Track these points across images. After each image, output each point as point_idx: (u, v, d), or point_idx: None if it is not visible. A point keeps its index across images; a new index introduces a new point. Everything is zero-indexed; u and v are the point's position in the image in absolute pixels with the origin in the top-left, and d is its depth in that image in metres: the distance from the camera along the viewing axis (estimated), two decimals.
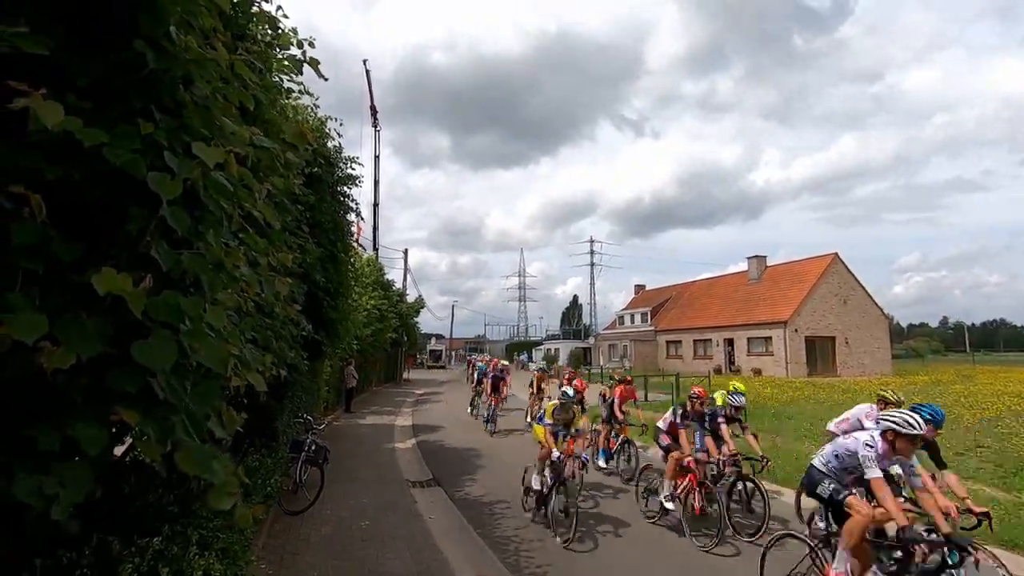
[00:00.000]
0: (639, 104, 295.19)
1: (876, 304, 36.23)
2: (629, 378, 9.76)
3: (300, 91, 6.23)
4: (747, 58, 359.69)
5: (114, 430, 1.56)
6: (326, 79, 2.85)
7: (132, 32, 1.53)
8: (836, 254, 35.19)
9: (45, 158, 1.39)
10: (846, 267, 35.32)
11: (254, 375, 1.64)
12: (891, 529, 3.83)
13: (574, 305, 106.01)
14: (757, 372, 32.73)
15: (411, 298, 34.02)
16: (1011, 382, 23.31)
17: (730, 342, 36.63)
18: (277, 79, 5.12)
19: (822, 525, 4.64)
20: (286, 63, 3.11)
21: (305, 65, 4.87)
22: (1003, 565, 3.99)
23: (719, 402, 7.06)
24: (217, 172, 1.45)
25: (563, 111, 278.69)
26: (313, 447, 6.87)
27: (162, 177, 1.33)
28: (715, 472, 6.24)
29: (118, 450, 3.64)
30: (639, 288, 55.26)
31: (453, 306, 72.18)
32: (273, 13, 4.04)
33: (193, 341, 1.40)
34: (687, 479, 6.18)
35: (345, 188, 8.88)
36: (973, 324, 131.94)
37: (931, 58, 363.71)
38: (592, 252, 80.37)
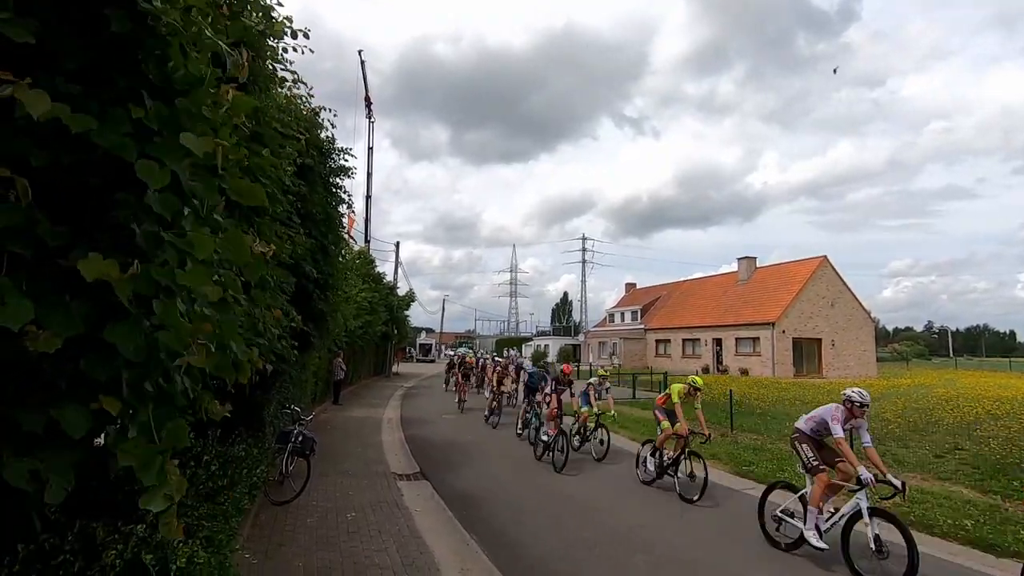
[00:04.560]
0: (641, 103, 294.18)
1: (863, 307, 36.64)
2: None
3: (294, 80, 6.20)
4: (750, 60, 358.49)
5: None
6: (307, 45, 2.84)
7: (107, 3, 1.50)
8: (825, 257, 35.53)
9: (35, 144, 1.39)
10: (834, 270, 35.67)
11: (221, 361, 1.65)
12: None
13: (564, 302, 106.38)
14: (744, 372, 33.03)
15: (402, 291, 33.94)
16: (991, 386, 23.71)
17: (718, 342, 36.91)
18: (271, 67, 5.09)
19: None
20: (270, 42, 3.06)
21: (299, 54, 4.85)
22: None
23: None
24: (205, 161, 1.44)
25: (566, 108, 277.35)
26: (300, 438, 6.86)
27: (150, 165, 1.33)
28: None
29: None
30: (630, 286, 55.49)
31: (444, 300, 72.11)
32: (268, 1, 4.03)
33: (164, 318, 1.41)
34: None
35: (337, 179, 8.83)
36: (957, 329, 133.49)
37: (933, 66, 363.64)
38: (584, 249, 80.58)
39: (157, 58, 1.60)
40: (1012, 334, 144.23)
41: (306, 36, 4.42)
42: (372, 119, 34.26)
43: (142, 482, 1.46)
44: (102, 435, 2.13)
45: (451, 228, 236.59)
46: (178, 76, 1.52)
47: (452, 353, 34.19)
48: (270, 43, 4.87)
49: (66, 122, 1.28)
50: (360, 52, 33.59)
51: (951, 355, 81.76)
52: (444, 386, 23.30)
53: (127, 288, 1.27)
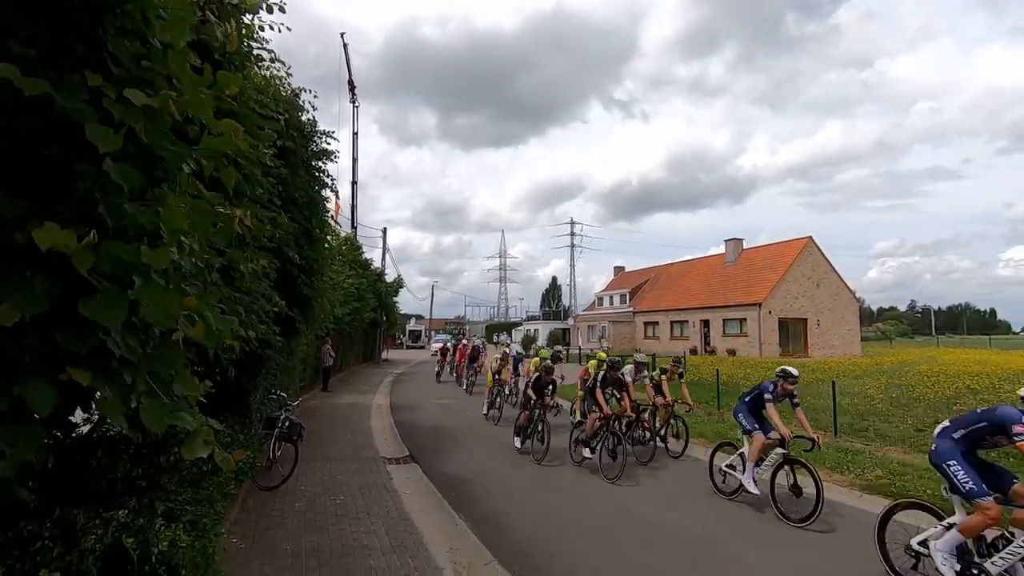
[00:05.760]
0: (631, 86, 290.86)
1: (847, 287, 37.11)
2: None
3: (271, 59, 6.04)
4: (740, 42, 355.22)
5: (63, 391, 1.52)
6: (282, 22, 2.75)
7: None
8: (810, 238, 35.86)
9: None
10: (820, 251, 36.03)
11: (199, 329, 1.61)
12: None
13: (554, 286, 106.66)
14: (731, 352, 33.40)
15: (390, 278, 33.77)
16: (970, 363, 24.18)
17: (706, 323, 37.25)
18: (246, 45, 4.94)
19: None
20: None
21: (276, 32, 4.70)
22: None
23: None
24: (157, 120, 1.38)
25: (555, 91, 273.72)
26: (287, 424, 6.83)
27: (103, 129, 1.27)
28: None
29: (86, 427, 3.58)
30: (618, 270, 55.65)
31: (433, 286, 71.90)
32: None
33: (143, 295, 1.36)
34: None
35: (320, 163, 8.69)
36: (939, 308, 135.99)
37: (921, 47, 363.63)
38: (573, 234, 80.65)
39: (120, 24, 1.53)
40: (993, 312, 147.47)
41: (282, 10, 4.27)
42: (356, 103, 33.77)
43: (186, 432, 1.46)
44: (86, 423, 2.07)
45: (440, 214, 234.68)
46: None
47: (474, 341, 21.82)
48: (245, 19, 4.72)
49: (18, 84, 1.22)
50: (343, 35, 32.98)
51: (933, 333, 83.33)
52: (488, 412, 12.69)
53: (86, 260, 1.23)
